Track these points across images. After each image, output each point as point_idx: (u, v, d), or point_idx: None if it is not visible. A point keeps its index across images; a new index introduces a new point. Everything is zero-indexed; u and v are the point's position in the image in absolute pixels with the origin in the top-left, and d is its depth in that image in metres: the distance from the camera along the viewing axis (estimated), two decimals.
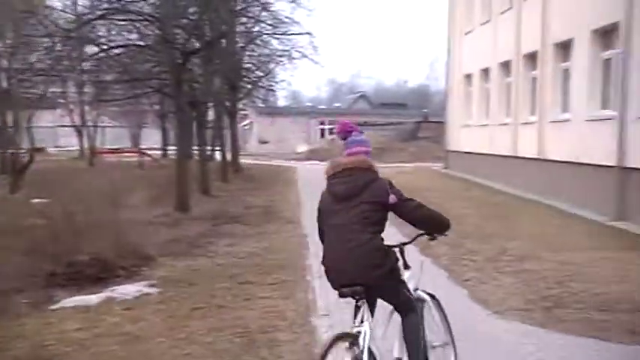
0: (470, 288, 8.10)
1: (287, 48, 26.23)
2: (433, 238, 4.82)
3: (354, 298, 4.32)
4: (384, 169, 26.31)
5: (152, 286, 8.53)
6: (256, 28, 24.92)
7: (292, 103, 68.97)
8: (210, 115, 26.66)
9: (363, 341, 4.15)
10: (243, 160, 32.36)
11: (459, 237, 11.66)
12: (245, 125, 63.77)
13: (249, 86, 29.76)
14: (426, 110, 53.46)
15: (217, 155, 27.07)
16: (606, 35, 15.45)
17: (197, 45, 16.05)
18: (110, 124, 49.00)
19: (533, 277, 8.53)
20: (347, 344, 4.09)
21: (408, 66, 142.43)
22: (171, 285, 8.53)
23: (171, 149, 35.39)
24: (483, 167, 23.94)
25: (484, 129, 24.44)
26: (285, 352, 5.95)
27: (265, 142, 57.28)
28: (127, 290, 8.31)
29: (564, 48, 17.70)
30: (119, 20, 15.73)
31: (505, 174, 21.46)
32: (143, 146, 44.47)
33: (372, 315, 4.42)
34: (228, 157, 26.65)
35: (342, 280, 4.33)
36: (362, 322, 4.27)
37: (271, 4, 23.86)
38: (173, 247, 11.11)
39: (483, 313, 7.01)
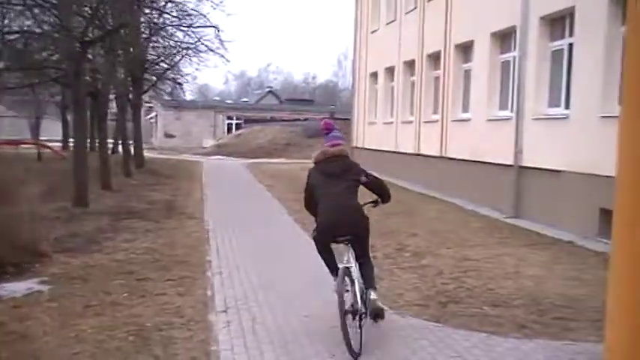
0: None
1: (193, 41, 25.78)
2: (375, 205, 6.54)
3: (345, 243, 6.11)
4: (290, 165, 26.36)
5: (44, 283, 8.19)
6: (161, 20, 24.39)
7: (200, 97, 68.06)
8: (114, 107, 25.96)
9: (355, 271, 6.01)
10: (147, 154, 31.68)
11: None
12: (150, 118, 62.66)
13: (154, 78, 29.14)
14: (333, 107, 53.93)
15: (121, 149, 26.35)
16: (504, 38, 15.94)
17: (98, 34, 15.51)
18: (7, 115, 47.03)
19: (431, 273, 8.67)
20: (343, 273, 5.84)
21: (316, 62, 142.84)
22: (64, 282, 8.21)
23: (73, 141, 34.30)
24: (388, 164, 24.23)
25: (389, 127, 24.78)
26: (179, 350, 5.81)
27: (171, 136, 56.41)
28: (17, 287, 7.95)
29: (465, 49, 18.15)
30: (14, 5, 15.02)
31: (409, 171, 21.82)
32: (43, 138, 42.90)
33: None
34: (132, 150, 26.00)
35: (339, 232, 6.09)
36: (349, 260, 6.04)
37: None
38: (69, 242, 10.70)
39: None
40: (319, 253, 6.46)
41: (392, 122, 24.53)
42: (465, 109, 18.10)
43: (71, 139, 34.95)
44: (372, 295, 5.98)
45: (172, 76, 29.32)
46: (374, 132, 27.26)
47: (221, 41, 24.35)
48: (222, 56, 25.26)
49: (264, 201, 17.21)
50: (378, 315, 5.95)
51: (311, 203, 6.45)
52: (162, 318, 6.69)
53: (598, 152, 11.59)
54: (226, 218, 13.72)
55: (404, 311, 6.94)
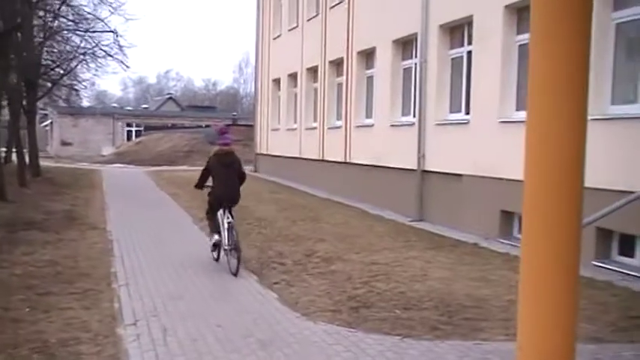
0: (279, 292, 8.06)
1: (90, 46, 24.85)
2: None
3: (228, 207, 9.56)
4: (193, 172, 25.77)
5: None
6: (55, 23, 23.49)
7: (97, 104, 66.13)
8: (6, 114, 24.78)
9: (233, 224, 9.37)
10: (43, 163, 30.44)
11: (267, 240, 11.76)
12: (45, 126, 60.52)
13: (49, 84, 28.01)
14: (235, 113, 53.54)
15: (15, 157, 25.11)
16: (406, 45, 16.25)
17: None
18: None
19: (341, 279, 8.69)
20: (228, 226, 9.26)
21: (216, 68, 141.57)
22: None
23: None
24: (292, 170, 24.33)
25: (292, 133, 24.84)
26: None
27: (68, 144, 54.61)
28: None
29: (367, 56, 18.40)
30: None
31: (313, 177, 21.93)
32: None
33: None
34: (27, 159, 24.85)
35: (228, 201, 9.60)
36: (229, 217, 9.43)
37: None
38: None
39: (292, 315, 7.00)
40: (209, 215, 10.07)
41: (295, 129, 24.60)
42: (369, 115, 18.34)
43: None
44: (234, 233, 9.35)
45: (69, 82, 28.27)
46: (277, 138, 27.26)
47: (120, 47, 23.55)
48: (122, 62, 24.43)
49: (168, 210, 16.84)
50: (238, 248, 9.14)
51: (203, 180, 9.93)
52: (67, 333, 6.41)
53: (497, 156, 11.99)
54: (130, 228, 13.35)
55: (316, 317, 6.92)
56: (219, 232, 9.57)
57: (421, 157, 14.60)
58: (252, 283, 8.57)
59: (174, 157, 41.09)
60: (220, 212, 9.57)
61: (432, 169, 14.38)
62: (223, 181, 9.58)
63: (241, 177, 9.87)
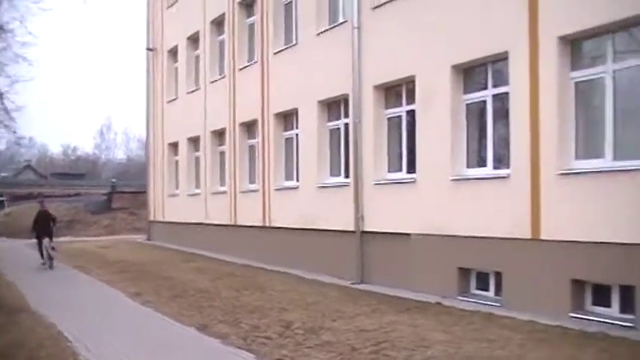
0: None
1: None
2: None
3: (46, 237, 19.93)
4: (85, 243, 24.26)
5: None
6: None
7: None
8: None
9: (48, 245, 19.75)
10: None
11: (227, 313, 11.06)
12: None
13: None
14: (114, 180, 51.38)
15: None
16: (331, 106, 16.15)
17: None
18: None
19: (345, 350, 8.14)
20: (46, 246, 19.79)
21: (74, 133, 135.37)
22: None
23: None
24: (195, 237, 23.46)
25: (195, 198, 24.03)
26: None
27: None
28: None
29: (286, 117, 18.16)
30: None
31: (223, 243, 21.22)
32: None
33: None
34: None
35: (45, 235, 20.00)
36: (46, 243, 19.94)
37: None
38: None
39: None
40: (38, 244, 20.13)
41: (199, 194, 23.81)
42: (289, 177, 18.03)
43: None
44: (52, 250, 19.50)
45: None
46: (176, 204, 26.27)
47: (6, 110, 21.57)
48: (7, 127, 22.41)
49: (87, 284, 15.51)
50: (51, 257, 19.41)
51: (34, 225, 20.16)
52: None
53: (450, 213, 11.99)
54: (60, 308, 12.09)
55: None
56: (42, 255, 19.55)
57: (360, 217, 14.39)
58: None
59: (53, 228, 38.57)
60: (43, 241, 19.61)
61: (372, 230, 14.18)
62: (42, 225, 20.01)
63: (54, 221, 20.49)
